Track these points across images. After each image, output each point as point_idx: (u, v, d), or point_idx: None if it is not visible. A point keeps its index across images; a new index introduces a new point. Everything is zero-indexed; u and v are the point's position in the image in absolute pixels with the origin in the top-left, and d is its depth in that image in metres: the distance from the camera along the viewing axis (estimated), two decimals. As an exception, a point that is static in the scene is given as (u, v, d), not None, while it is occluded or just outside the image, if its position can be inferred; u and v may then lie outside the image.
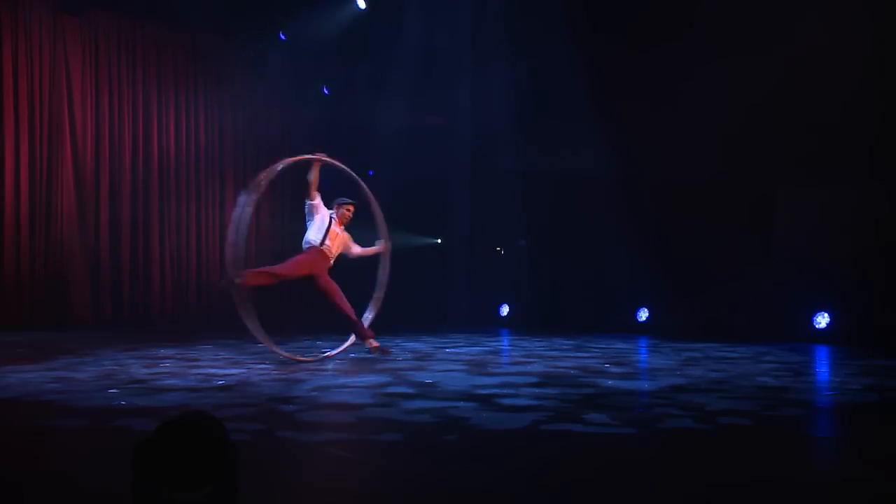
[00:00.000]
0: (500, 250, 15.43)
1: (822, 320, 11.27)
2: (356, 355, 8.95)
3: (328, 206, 8.81)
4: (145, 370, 7.53)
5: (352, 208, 8.80)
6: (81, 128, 13.04)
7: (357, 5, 13.54)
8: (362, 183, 8.95)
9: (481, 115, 14.45)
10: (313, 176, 8.50)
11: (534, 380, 7.08)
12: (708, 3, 11.49)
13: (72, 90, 12.94)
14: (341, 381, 7.02)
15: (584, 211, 13.53)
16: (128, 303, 13.39)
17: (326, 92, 15.43)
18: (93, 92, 13.19)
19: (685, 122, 11.78)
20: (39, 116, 12.62)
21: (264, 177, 8.54)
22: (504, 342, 11.49)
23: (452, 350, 9.79)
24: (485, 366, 8.26)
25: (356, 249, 8.93)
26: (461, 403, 5.80)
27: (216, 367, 7.80)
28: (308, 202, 8.62)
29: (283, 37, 14.14)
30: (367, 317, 9.08)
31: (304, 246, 8.62)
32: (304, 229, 8.71)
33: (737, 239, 12.22)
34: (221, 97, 14.48)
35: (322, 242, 8.52)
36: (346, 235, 8.80)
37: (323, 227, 8.57)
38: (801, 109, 11.02)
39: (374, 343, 8.78)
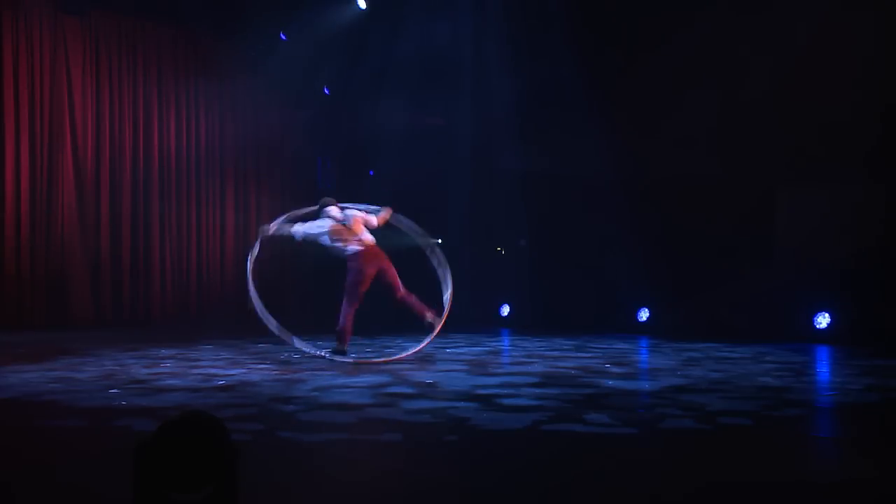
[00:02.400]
0: (501, 250, 15.41)
1: (823, 320, 11.27)
2: (356, 356, 8.96)
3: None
4: (146, 370, 7.47)
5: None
6: (82, 128, 12.95)
7: (357, 5, 13.53)
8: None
9: (481, 115, 14.42)
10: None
11: (534, 380, 7.06)
12: (709, 5, 11.50)
13: (72, 90, 12.84)
14: (341, 381, 6.99)
15: (584, 211, 13.50)
16: (128, 303, 13.31)
17: (327, 92, 15.43)
18: (93, 92, 13.08)
19: (686, 121, 11.78)
20: (40, 117, 12.53)
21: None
22: (505, 342, 11.42)
23: (453, 350, 9.70)
24: (485, 366, 8.22)
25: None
26: (462, 403, 5.78)
27: (217, 368, 7.69)
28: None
29: (283, 37, 14.13)
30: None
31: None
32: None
33: (737, 239, 12.19)
34: (222, 97, 14.36)
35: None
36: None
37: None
38: (801, 109, 11.00)
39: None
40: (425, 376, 7.32)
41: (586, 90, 12.69)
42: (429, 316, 8.70)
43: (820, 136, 10.96)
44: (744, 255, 11.96)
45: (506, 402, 5.90)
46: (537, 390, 6.45)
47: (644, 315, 12.98)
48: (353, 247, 8.48)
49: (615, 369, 7.91)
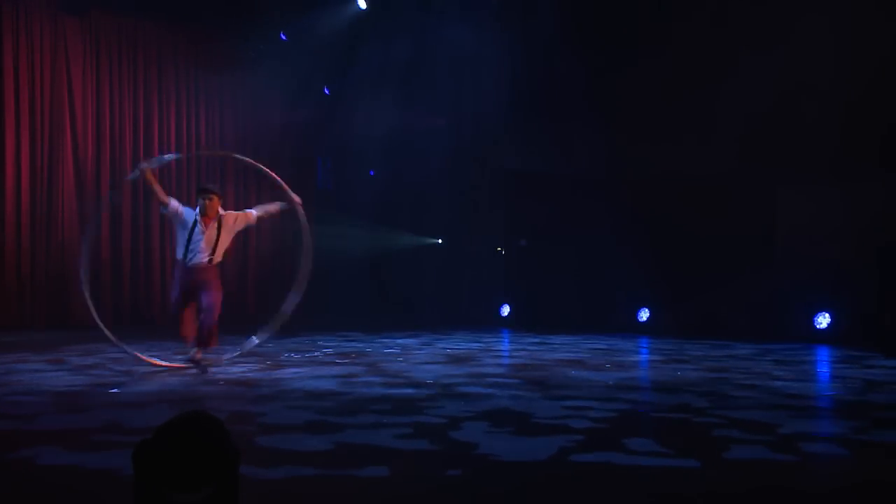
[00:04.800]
0: (501, 250, 15.40)
1: (823, 320, 11.23)
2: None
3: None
4: (145, 369, 7.37)
5: (214, 197, 7.28)
6: (82, 128, 12.43)
7: (357, 5, 13.48)
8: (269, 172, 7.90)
9: (482, 115, 14.31)
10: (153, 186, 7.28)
11: (542, 385, 6.40)
12: (708, 3, 11.48)
13: (73, 90, 12.34)
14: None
15: (585, 211, 13.44)
16: (128, 303, 12.93)
17: (327, 92, 15.37)
18: (93, 92, 12.54)
19: (686, 121, 11.77)
20: (41, 117, 12.04)
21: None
22: (505, 341, 10.85)
23: (453, 349, 9.15)
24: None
25: (255, 214, 7.68)
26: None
27: (217, 367, 7.36)
28: (163, 210, 7.33)
29: (283, 37, 14.06)
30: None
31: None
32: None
33: (738, 239, 12.12)
34: (222, 97, 13.83)
35: (185, 255, 7.20)
36: (230, 220, 7.50)
37: (184, 236, 7.23)
38: (803, 110, 10.97)
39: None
40: (426, 376, 7.03)
41: (585, 90, 12.63)
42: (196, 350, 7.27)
43: (821, 136, 10.91)
44: (744, 255, 11.93)
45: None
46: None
47: (644, 315, 12.96)
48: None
49: (609, 365, 7.49)
